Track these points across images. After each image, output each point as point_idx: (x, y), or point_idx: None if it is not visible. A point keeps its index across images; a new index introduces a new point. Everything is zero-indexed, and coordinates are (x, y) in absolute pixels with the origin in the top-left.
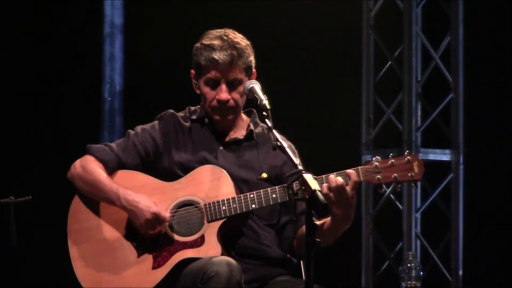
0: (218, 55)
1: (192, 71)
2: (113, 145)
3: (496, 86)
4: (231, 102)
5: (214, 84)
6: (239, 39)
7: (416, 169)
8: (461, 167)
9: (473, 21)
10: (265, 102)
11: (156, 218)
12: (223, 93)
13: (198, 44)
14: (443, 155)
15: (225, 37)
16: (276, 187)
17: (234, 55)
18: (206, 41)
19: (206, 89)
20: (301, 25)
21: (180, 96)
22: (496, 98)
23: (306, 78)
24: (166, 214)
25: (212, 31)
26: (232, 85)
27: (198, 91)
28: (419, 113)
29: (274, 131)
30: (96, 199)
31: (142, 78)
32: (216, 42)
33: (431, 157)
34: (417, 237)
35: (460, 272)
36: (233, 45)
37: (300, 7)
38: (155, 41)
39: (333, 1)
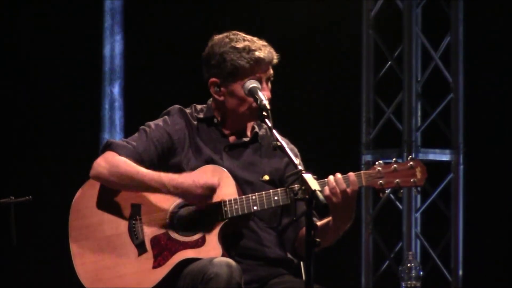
0: (262, 54)
1: (214, 79)
2: (134, 143)
3: (496, 86)
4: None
5: None
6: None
7: (418, 175)
8: (461, 167)
9: (473, 21)
10: (265, 102)
11: (207, 189)
12: (269, 92)
13: (227, 49)
14: (443, 155)
15: (246, 37)
16: (278, 189)
17: (271, 51)
18: (237, 44)
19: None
20: (301, 25)
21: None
22: (496, 98)
23: (306, 78)
24: (214, 180)
25: (222, 36)
26: (269, 81)
27: (221, 98)
28: (419, 113)
29: (274, 131)
30: (132, 191)
31: (143, 76)
32: (249, 43)
33: (431, 157)
34: (417, 237)
35: (460, 272)
36: (262, 43)
37: (300, 7)
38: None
39: (333, 1)
